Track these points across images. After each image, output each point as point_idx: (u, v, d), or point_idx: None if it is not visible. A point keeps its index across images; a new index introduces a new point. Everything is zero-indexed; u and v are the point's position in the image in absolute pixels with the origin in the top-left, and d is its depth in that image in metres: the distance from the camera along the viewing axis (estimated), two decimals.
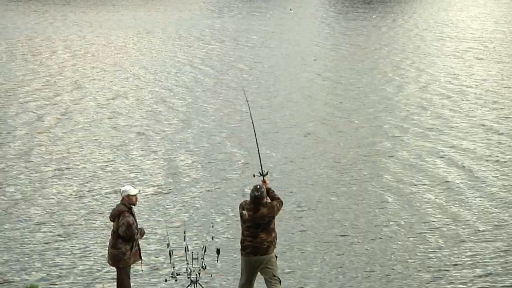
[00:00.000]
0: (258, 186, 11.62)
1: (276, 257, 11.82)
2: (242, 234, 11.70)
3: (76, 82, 31.80)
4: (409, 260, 14.43)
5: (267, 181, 12.06)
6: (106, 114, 26.40)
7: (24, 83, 31.80)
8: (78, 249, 14.86)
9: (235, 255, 13.72)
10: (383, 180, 19.18)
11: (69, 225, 16.16)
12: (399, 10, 62.11)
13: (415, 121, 25.33)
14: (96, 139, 23.17)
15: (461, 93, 29.64)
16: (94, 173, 19.74)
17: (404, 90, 30.38)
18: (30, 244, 15.13)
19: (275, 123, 25.01)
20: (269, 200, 11.70)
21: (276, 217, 11.71)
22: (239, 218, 11.89)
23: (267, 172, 12.26)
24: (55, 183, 18.93)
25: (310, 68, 35.70)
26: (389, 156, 21.28)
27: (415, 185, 18.79)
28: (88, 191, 18.34)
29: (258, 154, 12.96)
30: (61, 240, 15.29)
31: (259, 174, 12.21)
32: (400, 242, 15.26)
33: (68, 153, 21.67)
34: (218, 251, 12.27)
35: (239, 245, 11.88)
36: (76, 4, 66.25)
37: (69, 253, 14.68)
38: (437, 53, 39.55)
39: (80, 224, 16.15)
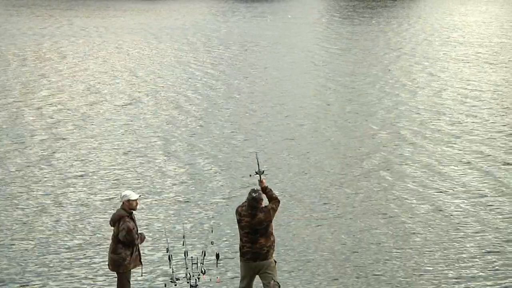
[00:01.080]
0: (255, 188, 11.74)
1: (275, 262, 11.89)
2: (241, 240, 11.76)
3: (89, 88, 31.83)
4: (440, 271, 14.43)
5: (264, 180, 12.11)
6: (123, 119, 26.41)
7: (37, 88, 31.82)
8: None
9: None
10: (407, 186, 19.21)
11: (97, 230, 16.17)
12: (403, 14, 62.17)
13: (433, 126, 25.37)
14: (117, 144, 23.17)
15: (476, 98, 29.72)
16: (117, 179, 19.73)
17: (418, 96, 30.44)
18: (59, 250, 15.14)
19: (292, 130, 25.03)
20: (264, 205, 11.74)
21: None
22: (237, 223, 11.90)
23: (263, 171, 12.31)
24: (79, 189, 18.93)
25: (322, 73, 35.76)
26: (410, 162, 21.30)
27: (441, 191, 18.81)
28: (113, 197, 18.34)
29: (256, 155, 12.90)
30: (88, 248, 15.30)
31: (255, 173, 12.24)
32: (431, 251, 15.27)
33: (88, 158, 21.66)
34: (217, 256, 12.40)
35: (238, 251, 11.94)
36: (80, 9, 66.22)
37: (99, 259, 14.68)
38: (446, 58, 39.61)
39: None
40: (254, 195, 11.60)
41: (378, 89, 31.68)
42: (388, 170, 20.58)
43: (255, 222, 11.56)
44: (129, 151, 22.48)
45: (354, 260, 14.69)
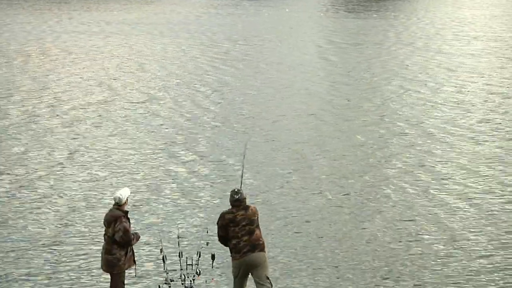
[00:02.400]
0: (236, 190, 11.95)
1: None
2: (235, 238, 11.76)
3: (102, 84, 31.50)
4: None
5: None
6: (143, 116, 26.07)
7: (49, 84, 31.49)
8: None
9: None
10: (449, 187, 18.92)
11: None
12: (410, 8, 61.99)
13: (462, 124, 25.11)
14: (139, 143, 22.86)
15: (501, 95, 29.46)
16: (154, 180, 19.42)
17: (441, 92, 30.18)
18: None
19: (317, 129, 24.73)
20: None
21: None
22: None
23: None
24: (105, 190, 18.60)
25: (336, 69, 35.49)
26: (445, 161, 21.02)
27: (485, 191, 18.53)
28: (150, 198, 18.00)
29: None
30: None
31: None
32: (484, 252, 15.00)
33: (110, 158, 21.34)
34: (213, 257, 12.55)
35: (230, 252, 11.95)
36: (77, 3, 65.70)
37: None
38: (462, 52, 39.39)
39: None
40: (237, 196, 11.86)
41: (397, 86, 31.39)
42: (422, 169, 20.24)
43: (250, 213, 11.81)
44: (155, 150, 22.13)
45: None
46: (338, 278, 13.83)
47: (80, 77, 33.01)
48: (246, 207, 11.88)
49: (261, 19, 55.20)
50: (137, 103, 28.19)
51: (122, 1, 66.91)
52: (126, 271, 12.10)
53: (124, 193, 12.05)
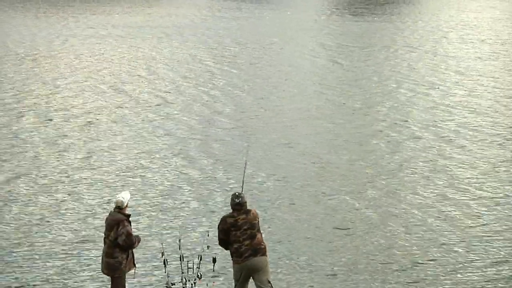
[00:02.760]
0: (237, 193, 11.97)
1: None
2: (236, 242, 11.77)
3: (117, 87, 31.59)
4: None
5: None
6: (157, 120, 26.15)
7: (61, 88, 31.54)
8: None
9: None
10: (470, 191, 18.98)
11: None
12: (415, 11, 62.07)
13: (477, 127, 25.18)
14: (154, 146, 22.94)
15: None
16: (169, 184, 19.51)
17: (452, 96, 30.24)
18: None
19: (331, 133, 24.83)
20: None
21: None
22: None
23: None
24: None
25: (347, 73, 35.57)
26: (462, 165, 21.11)
27: (504, 196, 18.62)
28: (172, 205, 18.08)
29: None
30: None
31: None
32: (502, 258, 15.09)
33: (129, 163, 21.42)
34: (214, 260, 12.59)
35: (231, 257, 11.96)
36: (82, 5, 65.72)
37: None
38: (470, 56, 39.48)
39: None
40: (238, 200, 11.86)
41: (407, 89, 31.47)
42: (441, 175, 20.32)
43: (252, 217, 11.82)
44: (172, 154, 22.22)
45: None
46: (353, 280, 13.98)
47: (92, 81, 33.04)
48: (247, 211, 11.89)
49: (266, 22, 55.26)
50: (150, 106, 28.25)
51: (125, 4, 66.92)
52: (126, 274, 12.14)
53: (125, 196, 12.10)
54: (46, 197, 18.46)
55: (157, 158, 21.81)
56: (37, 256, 14.96)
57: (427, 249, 15.41)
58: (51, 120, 26.10)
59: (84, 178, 19.87)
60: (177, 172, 20.48)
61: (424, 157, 21.91)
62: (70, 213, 17.39)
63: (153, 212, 17.41)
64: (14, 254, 15.05)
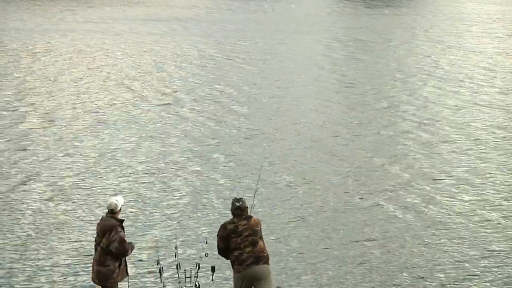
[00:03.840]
0: (238, 197, 11.97)
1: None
2: (237, 249, 11.64)
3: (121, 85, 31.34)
4: None
5: None
6: (172, 119, 25.95)
7: (66, 84, 31.37)
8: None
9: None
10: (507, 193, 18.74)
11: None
12: (435, 4, 61.95)
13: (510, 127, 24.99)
14: (174, 148, 22.68)
15: None
16: (194, 188, 19.25)
17: (482, 93, 29.99)
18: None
19: (359, 134, 24.59)
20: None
21: None
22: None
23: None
24: (146, 197, 18.44)
25: (369, 69, 35.34)
26: (498, 167, 20.84)
27: None
28: (202, 205, 17.82)
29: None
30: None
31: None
32: None
33: (154, 166, 21.15)
34: (213, 269, 12.45)
35: (232, 265, 11.82)
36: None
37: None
38: (497, 51, 39.37)
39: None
40: (238, 204, 11.78)
41: (434, 86, 31.25)
42: (480, 179, 20.03)
43: (253, 223, 11.73)
44: (189, 155, 21.97)
45: None
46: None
47: (97, 77, 32.82)
48: (249, 217, 11.78)
49: (270, 15, 55.13)
50: (162, 105, 27.98)
51: None
52: (118, 283, 11.95)
53: (119, 199, 11.87)
54: (63, 202, 18.16)
55: (174, 161, 21.46)
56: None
57: (477, 259, 15.07)
58: (53, 121, 25.82)
59: (98, 182, 19.58)
60: (201, 177, 20.15)
61: (461, 159, 21.60)
62: (83, 220, 17.11)
63: (172, 220, 17.13)
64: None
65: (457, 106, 27.97)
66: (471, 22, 50.43)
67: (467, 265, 14.80)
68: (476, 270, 14.59)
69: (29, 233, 16.28)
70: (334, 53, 39.80)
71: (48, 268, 14.58)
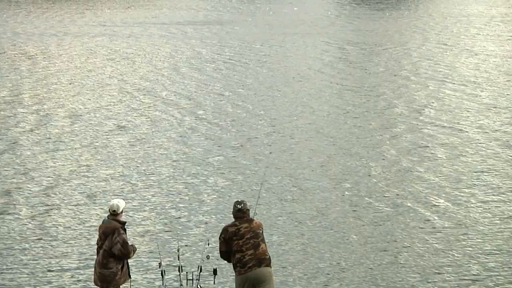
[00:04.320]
0: (240, 200, 12.01)
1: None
2: (239, 252, 11.68)
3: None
4: None
5: None
6: (189, 123, 26.14)
7: (77, 89, 31.59)
8: None
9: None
10: None
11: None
12: (441, 6, 62.14)
13: None
14: (197, 153, 22.86)
15: None
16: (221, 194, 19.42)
17: (502, 97, 30.11)
18: None
19: (385, 137, 24.76)
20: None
21: None
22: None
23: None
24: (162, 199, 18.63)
25: (383, 73, 35.51)
26: None
27: None
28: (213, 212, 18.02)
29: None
30: None
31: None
32: None
33: (159, 165, 21.38)
34: (215, 271, 12.50)
35: (234, 268, 11.88)
36: (88, 1, 65.69)
37: None
38: (498, 54, 39.53)
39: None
40: (240, 206, 11.82)
41: (453, 89, 31.39)
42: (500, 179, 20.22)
43: (255, 226, 11.76)
44: (218, 162, 22.15)
45: None
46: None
47: (113, 81, 33.04)
48: (250, 220, 11.83)
49: (274, 18, 55.30)
50: (183, 108, 28.12)
51: (129, 2, 66.86)
52: (121, 285, 12.05)
53: (120, 201, 11.99)
54: (93, 206, 18.34)
55: (206, 170, 21.42)
56: None
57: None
58: (72, 124, 25.98)
59: (127, 187, 19.75)
60: (201, 178, 20.30)
61: (490, 164, 21.75)
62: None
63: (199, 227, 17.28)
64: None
65: (478, 109, 28.10)
66: (482, 25, 50.57)
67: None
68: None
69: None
70: (348, 55, 40.04)
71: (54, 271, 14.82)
